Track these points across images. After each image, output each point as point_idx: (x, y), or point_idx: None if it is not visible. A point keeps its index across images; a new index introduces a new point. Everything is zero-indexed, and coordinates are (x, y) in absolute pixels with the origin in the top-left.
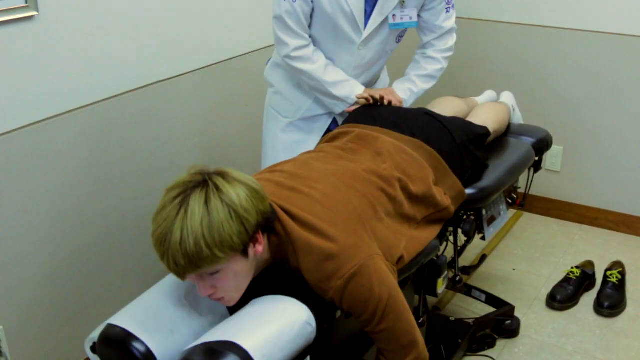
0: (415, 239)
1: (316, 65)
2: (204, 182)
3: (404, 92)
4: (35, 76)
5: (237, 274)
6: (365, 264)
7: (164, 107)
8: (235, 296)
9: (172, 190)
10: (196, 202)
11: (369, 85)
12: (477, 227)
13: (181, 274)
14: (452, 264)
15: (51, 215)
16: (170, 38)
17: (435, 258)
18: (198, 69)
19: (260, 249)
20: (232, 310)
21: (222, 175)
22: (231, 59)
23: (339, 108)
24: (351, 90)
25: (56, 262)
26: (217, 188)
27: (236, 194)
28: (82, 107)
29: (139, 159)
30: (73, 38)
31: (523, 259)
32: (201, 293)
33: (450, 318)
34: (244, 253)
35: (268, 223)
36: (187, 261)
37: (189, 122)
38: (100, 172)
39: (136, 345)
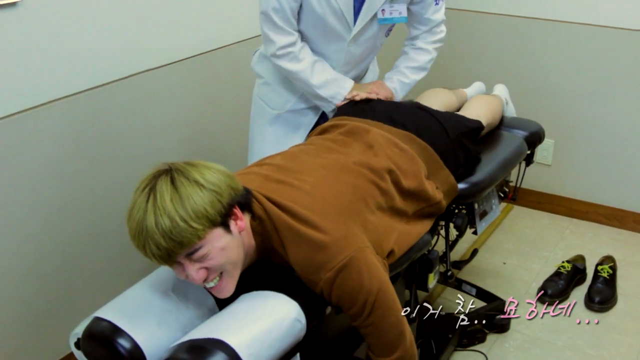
0: (406, 233)
1: (302, 64)
2: (168, 169)
3: (394, 83)
4: (17, 65)
5: (224, 249)
6: (355, 256)
7: (149, 97)
8: (230, 281)
9: (139, 187)
10: (163, 184)
11: (357, 78)
12: (469, 222)
13: (165, 257)
14: (444, 258)
15: (34, 207)
16: (156, 27)
17: (426, 253)
18: (184, 59)
19: (242, 224)
20: (221, 304)
21: (187, 162)
22: (218, 49)
23: (326, 108)
24: (338, 90)
25: (38, 255)
26: (181, 170)
27: (201, 173)
28: (65, 97)
29: (124, 151)
30: (56, 26)
31: (513, 252)
32: (194, 279)
33: (441, 312)
34: (226, 227)
35: (244, 200)
36: (167, 240)
37: (175, 113)
38: (84, 163)
39: (122, 341)
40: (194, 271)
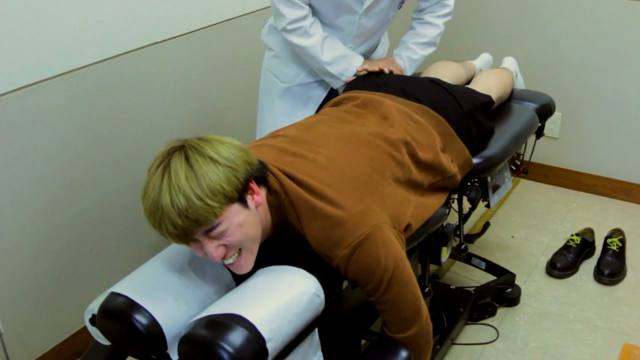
0: (422, 206)
1: (312, 40)
2: (181, 146)
3: (403, 60)
4: (26, 38)
5: (242, 225)
6: (372, 232)
7: (158, 70)
8: (249, 257)
9: (153, 164)
10: (177, 162)
11: (369, 52)
12: (482, 195)
13: (182, 236)
14: (456, 231)
15: (43, 182)
16: None
17: (442, 226)
18: (193, 31)
19: (259, 199)
20: (238, 279)
21: (200, 138)
22: (225, 21)
23: (334, 84)
24: (347, 67)
25: (48, 230)
26: (195, 147)
27: (215, 149)
28: (74, 70)
29: (133, 123)
30: None
31: (521, 226)
32: (213, 256)
33: (451, 286)
34: (243, 203)
35: (260, 174)
36: (184, 219)
37: (184, 85)
38: (94, 136)
39: (139, 317)
40: (213, 249)
